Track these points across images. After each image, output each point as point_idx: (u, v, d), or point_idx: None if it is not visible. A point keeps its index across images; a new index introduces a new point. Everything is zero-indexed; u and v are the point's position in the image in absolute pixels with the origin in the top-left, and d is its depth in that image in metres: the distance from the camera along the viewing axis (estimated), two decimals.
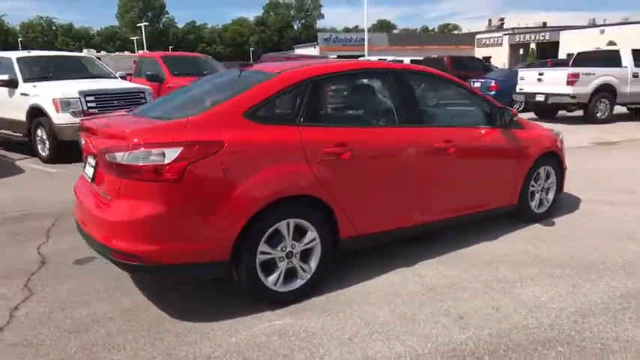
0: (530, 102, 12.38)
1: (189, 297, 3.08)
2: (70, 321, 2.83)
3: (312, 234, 2.97)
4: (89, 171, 3.02)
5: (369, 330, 2.67)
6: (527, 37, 44.69)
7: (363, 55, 33.31)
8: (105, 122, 3.01)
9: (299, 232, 2.94)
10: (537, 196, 4.40)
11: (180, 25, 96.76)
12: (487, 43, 50.23)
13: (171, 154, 2.50)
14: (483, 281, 3.26)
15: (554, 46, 41.01)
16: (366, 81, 3.58)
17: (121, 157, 2.54)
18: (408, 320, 2.77)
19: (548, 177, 4.47)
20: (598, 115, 11.50)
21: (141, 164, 2.51)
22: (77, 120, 7.71)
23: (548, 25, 52.06)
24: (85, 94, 7.77)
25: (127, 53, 34.04)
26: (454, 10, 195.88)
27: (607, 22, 41.51)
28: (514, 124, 4.04)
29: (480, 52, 46.54)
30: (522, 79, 12.48)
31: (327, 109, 3.23)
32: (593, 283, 3.20)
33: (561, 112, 13.06)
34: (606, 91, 11.40)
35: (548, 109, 12.30)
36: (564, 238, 4.04)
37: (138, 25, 63.73)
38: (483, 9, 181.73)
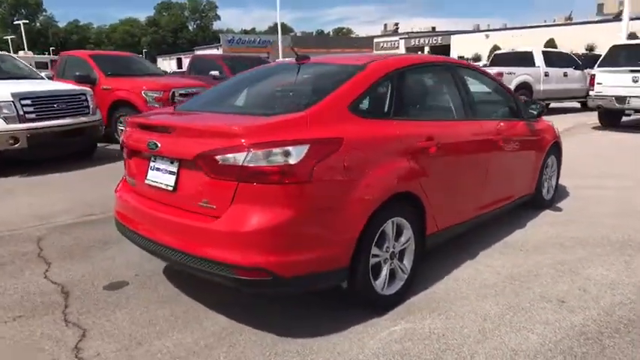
0: None
1: (277, 313, 2.81)
2: (161, 356, 2.43)
3: (407, 232, 2.88)
4: (165, 178, 2.60)
5: (492, 324, 2.65)
6: (422, 40, 47.88)
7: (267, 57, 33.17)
8: (185, 120, 2.62)
9: (397, 232, 2.83)
10: (546, 184, 4.72)
11: (61, 25, 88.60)
12: (385, 46, 52.86)
13: (299, 152, 2.26)
14: (549, 265, 3.41)
15: (447, 49, 44.40)
16: (438, 74, 3.57)
17: (241, 158, 2.23)
18: (518, 310, 2.80)
19: (552, 165, 4.81)
20: None
21: (266, 166, 2.23)
22: (11, 127, 6.72)
23: (437, 29, 56.18)
24: (20, 96, 6.77)
25: (3, 54, 30.31)
26: (346, 14, 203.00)
27: (490, 28, 45.94)
28: (534, 116, 4.28)
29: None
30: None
31: (411, 103, 3.16)
32: (639, 260, 3.49)
33: None
34: (524, 88, 12.59)
35: None
36: (581, 221, 4.37)
37: (15, 23, 56.96)
38: (372, 14, 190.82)
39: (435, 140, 3.00)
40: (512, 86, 12.35)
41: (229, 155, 2.26)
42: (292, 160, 2.24)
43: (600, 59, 10.08)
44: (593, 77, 9.83)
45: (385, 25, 57.75)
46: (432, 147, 2.98)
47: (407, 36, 51.18)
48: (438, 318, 2.72)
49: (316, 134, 2.36)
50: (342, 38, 73.38)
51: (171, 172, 2.57)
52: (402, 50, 49.93)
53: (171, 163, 2.57)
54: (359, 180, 2.49)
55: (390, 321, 2.70)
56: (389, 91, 2.90)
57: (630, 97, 9.16)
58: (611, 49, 10.07)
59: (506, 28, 42.54)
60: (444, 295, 3.00)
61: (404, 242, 2.87)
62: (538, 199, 4.59)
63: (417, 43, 48.78)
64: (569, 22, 38.24)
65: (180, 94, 9.52)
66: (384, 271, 2.76)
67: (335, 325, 2.64)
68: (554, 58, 13.55)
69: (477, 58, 36.45)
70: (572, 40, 31.50)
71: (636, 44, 9.99)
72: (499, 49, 38.27)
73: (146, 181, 2.74)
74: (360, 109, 2.67)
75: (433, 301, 2.92)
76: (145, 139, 2.64)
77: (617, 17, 35.70)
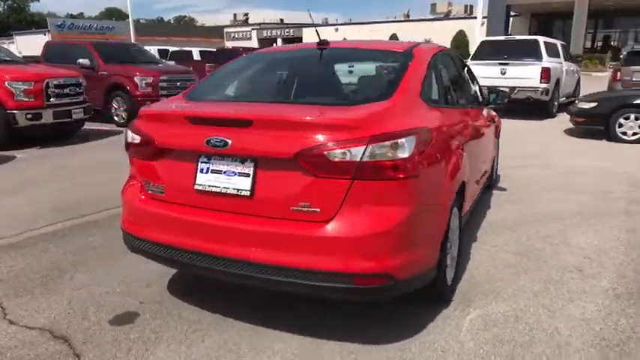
0: None
1: (335, 321, 2.59)
2: None
3: (455, 220, 2.89)
4: (234, 182, 2.16)
5: (546, 299, 2.82)
6: (274, 32, 48.28)
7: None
8: (264, 112, 2.22)
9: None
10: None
11: None
12: (236, 36, 52.01)
13: (410, 144, 2.09)
14: (541, 239, 3.74)
15: (299, 41, 45.50)
16: (450, 63, 3.55)
17: (359, 153, 1.97)
18: (554, 283, 3.02)
19: (496, 149, 5.27)
20: None
21: (385, 160, 2.01)
22: None
23: (285, 21, 57.15)
24: None
25: None
26: (184, 2, 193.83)
27: (339, 22, 48.38)
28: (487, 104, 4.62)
29: (229, 45, 47.88)
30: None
31: (447, 89, 3.12)
32: (603, 226, 4.03)
33: None
34: None
35: None
36: (530, 197, 4.89)
37: None
38: (214, 3, 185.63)
39: (468, 127, 3.07)
40: None
41: (341, 151, 1.99)
42: (405, 153, 2.07)
43: (472, 53, 11.36)
44: None
45: (235, 15, 56.76)
46: (468, 134, 3.04)
47: (259, 27, 51.06)
48: (497, 301, 2.81)
49: (413, 124, 2.21)
50: (188, 27, 69.82)
51: (243, 174, 2.16)
52: (254, 41, 49.73)
53: (242, 163, 2.16)
54: (444, 171, 2.43)
55: (458, 311, 2.70)
56: (434, 78, 2.86)
57: (499, 87, 10.49)
58: (481, 44, 11.43)
59: (353, 23, 45.28)
60: (482, 278, 3.10)
61: (455, 230, 2.88)
62: (491, 180, 5.01)
63: (269, 35, 49.04)
64: (407, 19, 42.44)
65: (55, 86, 8.13)
66: (449, 261, 2.74)
67: (411, 324, 2.54)
68: None
69: None
70: (412, 35, 34.79)
71: (501, 40, 11.53)
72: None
73: (196, 187, 2.26)
74: (426, 98, 2.59)
75: (478, 286, 2.99)
76: (202, 135, 2.17)
77: (447, 16, 40.71)
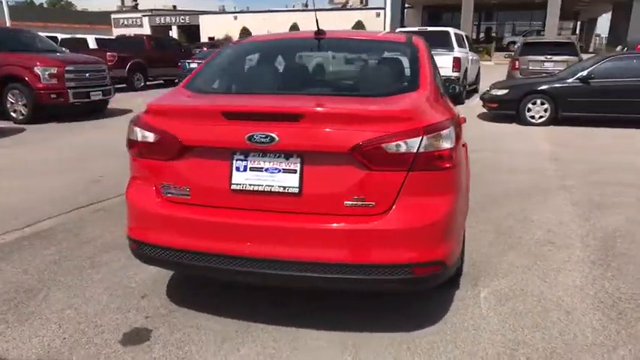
0: None
1: (364, 315, 2.61)
2: None
3: None
4: (279, 179, 2.04)
5: (538, 271, 3.08)
6: (168, 19, 45.82)
7: None
8: (314, 104, 2.09)
9: None
10: None
11: None
12: (125, 23, 48.56)
13: (451, 134, 2.14)
14: (507, 217, 4.08)
15: (195, 29, 43.75)
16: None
17: (416, 144, 1.98)
18: (538, 256, 3.31)
19: None
20: None
21: (436, 151, 2.05)
22: None
23: (178, 8, 54.39)
24: None
25: None
26: None
27: (237, 10, 47.20)
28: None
29: (118, 33, 44.61)
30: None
31: (440, 80, 3.19)
32: (552, 201, 4.48)
33: None
34: None
35: None
36: (477, 180, 5.07)
37: None
38: None
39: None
40: None
41: (399, 143, 1.98)
42: (451, 143, 2.12)
43: None
44: None
45: (123, 1, 52.65)
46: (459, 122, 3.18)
47: (150, 13, 48.04)
48: (497, 277, 3.01)
49: (446, 114, 2.27)
50: (72, 12, 63.38)
51: (288, 171, 2.05)
52: (146, 28, 46.78)
53: (287, 159, 2.06)
54: (466, 159, 2.53)
55: (469, 291, 2.84)
56: (435, 68, 2.94)
57: None
58: None
59: (251, 11, 44.53)
60: (475, 257, 3.29)
61: None
62: None
63: (162, 22, 46.42)
64: (306, 8, 42.75)
65: None
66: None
67: (433, 310, 2.62)
68: None
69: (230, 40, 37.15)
70: (312, 25, 35.16)
71: (414, 31, 12.10)
72: (248, 31, 39.63)
73: (233, 187, 2.10)
74: (437, 87, 2.66)
75: (476, 265, 3.17)
76: (241, 131, 2.02)
77: (345, 6, 41.70)
